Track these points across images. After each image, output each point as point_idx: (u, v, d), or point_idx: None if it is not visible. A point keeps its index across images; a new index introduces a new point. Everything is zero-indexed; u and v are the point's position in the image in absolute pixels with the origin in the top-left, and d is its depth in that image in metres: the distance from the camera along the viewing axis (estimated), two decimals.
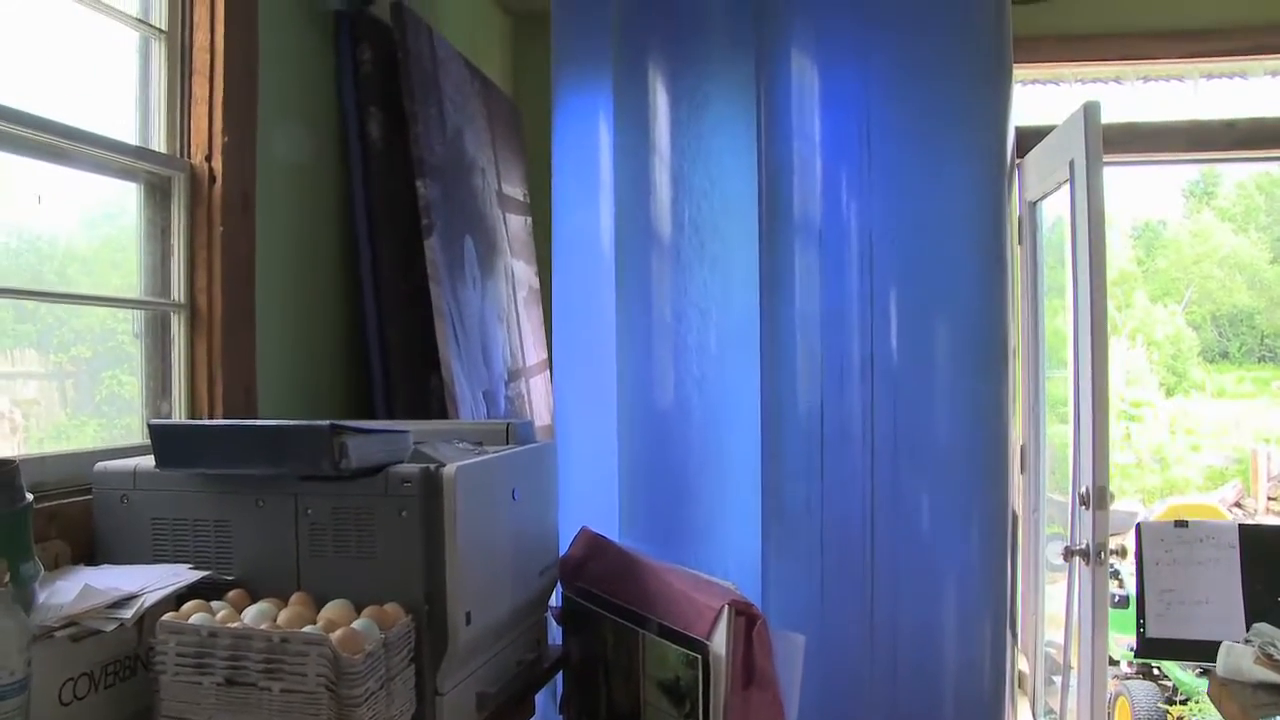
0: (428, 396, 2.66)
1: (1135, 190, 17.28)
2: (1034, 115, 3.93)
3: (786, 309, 2.03)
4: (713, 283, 2.17)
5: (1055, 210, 3.61)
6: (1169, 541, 2.87)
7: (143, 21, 2.18)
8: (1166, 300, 16.36)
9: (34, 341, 1.97)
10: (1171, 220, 17.45)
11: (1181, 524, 3.00)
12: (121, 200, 2.15)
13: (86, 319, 2.09)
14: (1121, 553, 2.97)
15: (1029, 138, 3.43)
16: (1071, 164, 2.96)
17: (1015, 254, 3.55)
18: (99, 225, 2.17)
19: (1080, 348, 2.94)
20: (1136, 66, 3.97)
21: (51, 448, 1.97)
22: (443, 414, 2.58)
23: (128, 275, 2.16)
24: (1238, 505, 10.51)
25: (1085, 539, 2.81)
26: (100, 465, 1.76)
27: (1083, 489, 2.83)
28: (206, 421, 2.08)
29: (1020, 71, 3.50)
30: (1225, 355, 16.39)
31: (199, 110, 2.23)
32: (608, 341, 2.49)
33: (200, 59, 2.23)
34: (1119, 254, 15.77)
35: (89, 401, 2.12)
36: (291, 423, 1.69)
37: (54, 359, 2.04)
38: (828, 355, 1.99)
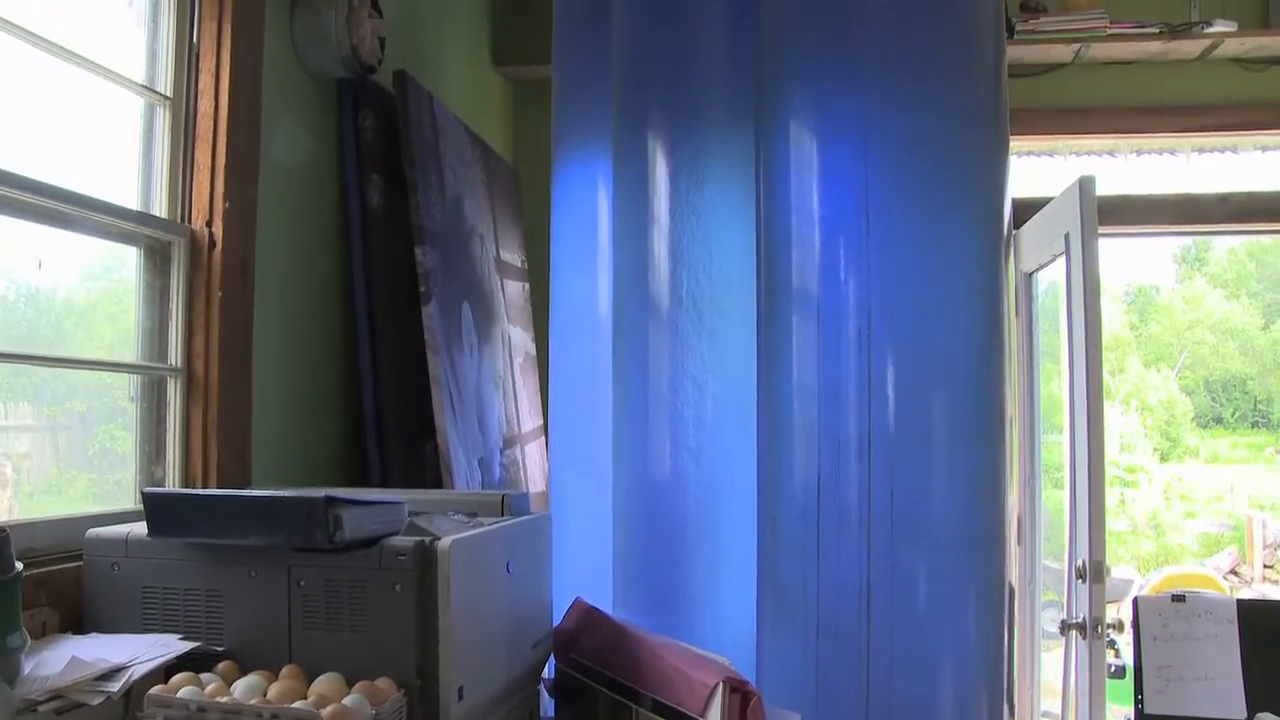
0: (423, 464, 2.65)
1: (1128, 256, 17.42)
2: (1030, 186, 3.98)
3: (784, 382, 2.03)
4: (710, 355, 2.17)
5: (1051, 277, 3.63)
6: (1166, 616, 2.86)
7: (148, 88, 2.20)
8: (1160, 365, 16.41)
9: (29, 394, 1.96)
10: (1164, 286, 17.57)
11: (1179, 598, 2.98)
12: (121, 252, 2.15)
13: (81, 373, 2.09)
14: (1118, 627, 2.95)
15: (1025, 209, 3.46)
16: (1067, 237, 2.98)
17: (1011, 324, 3.57)
18: (98, 278, 2.17)
19: (1076, 419, 2.94)
20: (1130, 140, 4.02)
21: (42, 503, 1.97)
22: (438, 482, 2.57)
23: (125, 329, 2.16)
24: (1233, 573, 10.47)
25: (1082, 613, 2.79)
26: (92, 532, 1.74)
27: (1079, 562, 2.81)
28: (201, 491, 2.07)
29: (1016, 143, 3.54)
30: (1219, 420, 16.42)
31: (201, 176, 2.25)
32: (604, 409, 2.49)
33: (204, 125, 2.25)
34: (1112, 319, 15.85)
35: (81, 456, 2.11)
36: (286, 494, 1.68)
37: (48, 412, 2.03)
38: (825, 429, 1.99)
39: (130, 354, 2.16)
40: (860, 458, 1.95)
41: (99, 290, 2.18)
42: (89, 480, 2.10)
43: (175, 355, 2.20)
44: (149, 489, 1.80)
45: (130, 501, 2.10)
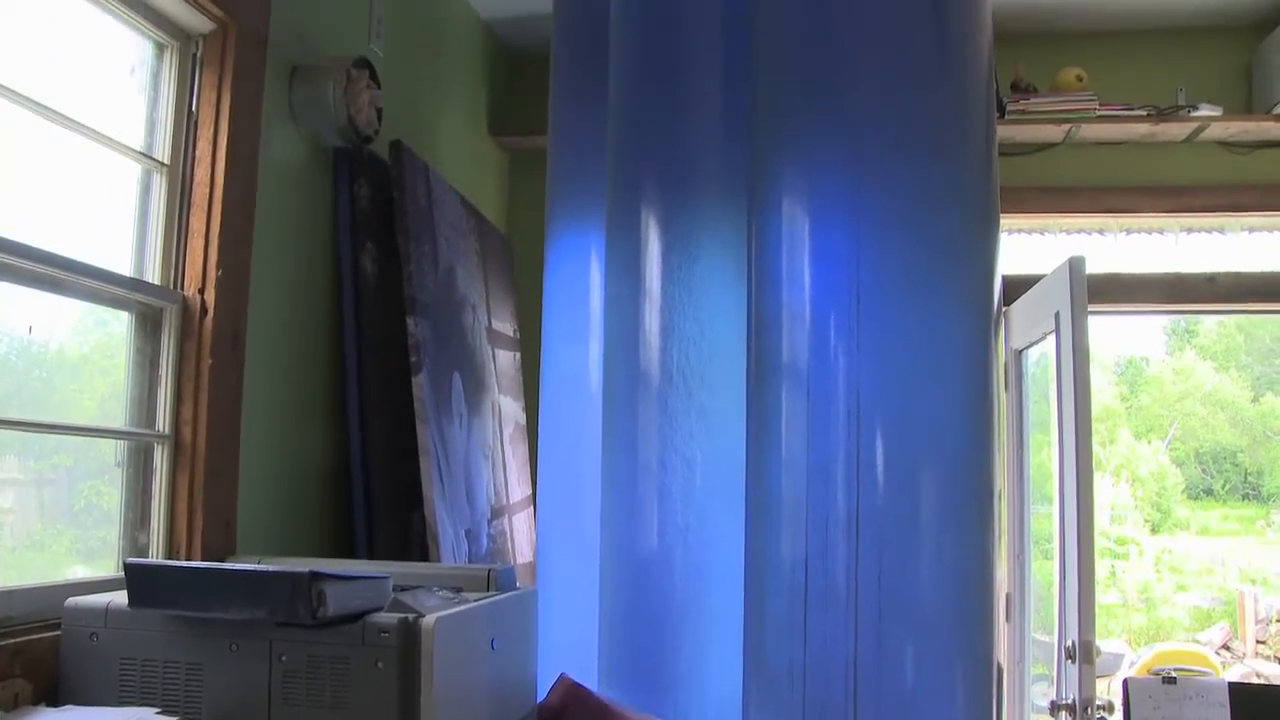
0: (410, 534, 2.64)
1: (1118, 328, 17.50)
2: (1021, 264, 4.01)
3: (773, 459, 2.03)
4: (699, 431, 2.17)
5: (1042, 348, 3.65)
6: (1157, 699, 2.83)
7: (146, 155, 2.22)
8: (1150, 437, 16.42)
9: (14, 448, 1.95)
10: (1154, 358, 17.62)
11: (1170, 680, 2.96)
12: (112, 315, 2.15)
13: (51, 397, 2.06)
14: (1109, 709, 2.92)
15: (1015, 286, 3.48)
16: (1057, 315, 3.00)
17: (1001, 400, 3.57)
18: (90, 331, 2.16)
19: (1066, 495, 2.94)
20: (1119, 219, 4.06)
21: (24, 559, 1.95)
22: (424, 553, 2.56)
23: (114, 388, 2.15)
24: (1225, 648, 10.39)
25: (1072, 694, 2.77)
26: (71, 601, 1.73)
27: (1069, 642, 2.79)
28: (184, 563, 2.06)
29: (1007, 221, 3.57)
30: (1209, 492, 16.39)
31: (195, 243, 2.25)
32: (593, 481, 2.48)
33: (200, 193, 2.26)
34: (1103, 390, 15.87)
35: (66, 511, 2.10)
36: (270, 568, 1.67)
37: (34, 467, 2.02)
38: (813, 507, 1.98)
39: (118, 418, 2.15)
40: (849, 536, 1.95)
41: (90, 343, 2.17)
42: (73, 536, 2.09)
43: (163, 422, 2.19)
44: (131, 560, 1.79)
45: (113, 559, 2.09)
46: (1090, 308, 2.98)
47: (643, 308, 2.26)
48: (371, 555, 2.55)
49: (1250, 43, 3.93)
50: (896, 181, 2.12)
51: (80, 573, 2.07)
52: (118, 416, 2.15)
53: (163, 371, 2.21)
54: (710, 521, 2.17)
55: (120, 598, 1.69)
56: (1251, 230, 4.08)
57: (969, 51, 2.23)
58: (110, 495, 2.12)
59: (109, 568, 2.10)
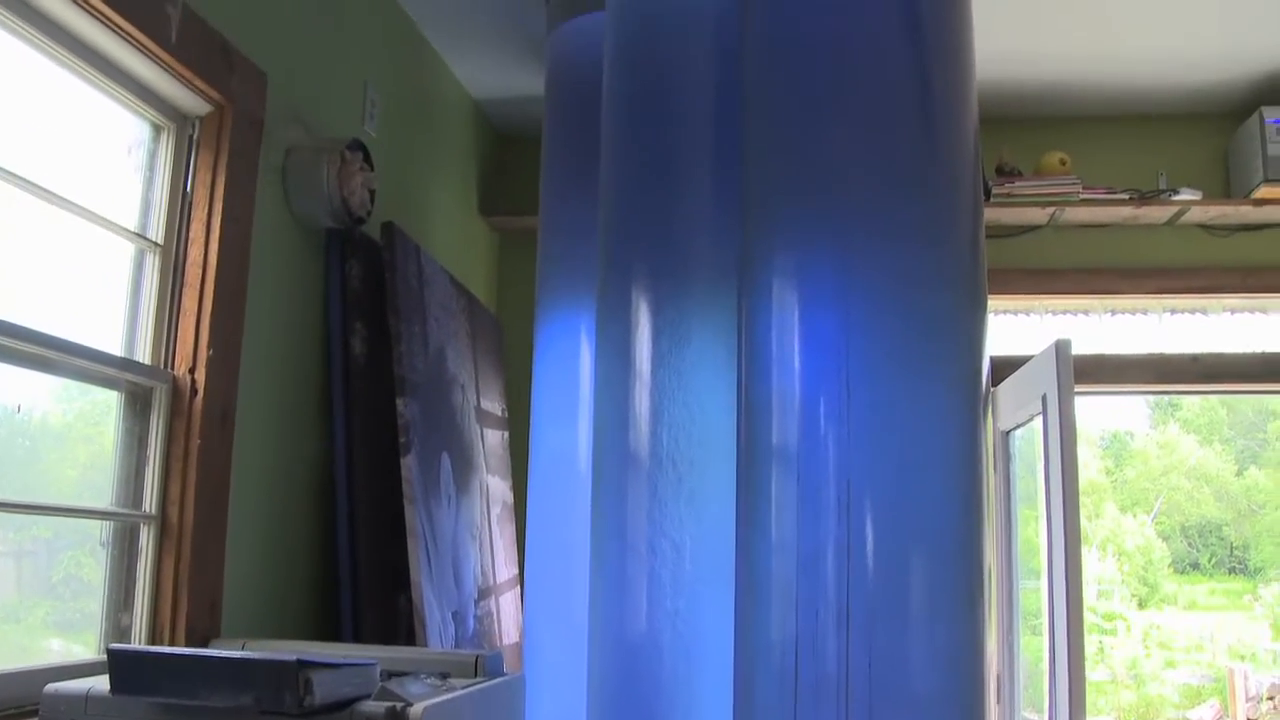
0: (396, 616, 2.61)
1: (1102, 402, 17.59)
2: (1007, 344, 4.04)
3: (762, 546, 2.02)
4: (688, 517, 2.17)
5: (1029, 426, 3.66)
6: None
7: (140, 235, 2.23)
8: (1136, 510, 16.43)
9: None
10: (1138, 432, 17.70)
11: None
12: (101, 393, 2.15)
13: (37, 477, 2.05)
14: None
15: (1002, 367, 3.51)
16: (1044, 398, 3.02)
17: (990, 481, 3.58)
18: (74, 399, 2.15)
19: (1054, 575, 2.94)
20: (1104, 300, 4.10)
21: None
22: (411, 636, 2.53)
23: (99, 450, 2.13)
24: None
25: None
26: (51, 687, 1.70)
27: None
28: (168, 649, 2.03)
29: (993, 302, 3.59)
30: (1196, 566, 16.38)
31: (186, 323, 2.26)
32: (581, 562, 2.46)
33: (192, 273, 2.27)
34: (1088, 464, 15.91)
35: (44, 583, 2.07)
36: (257, 656, 1.65)
37: (14, 538, 1.99)
38: (803, 595, 1.97)
39: (102, 487, 2.13)
40: (839, 624, 1.93)
41: (74, 410, 2.16)
42: (50, 608, 2.06)
43: (150, 502, 2.18)
44: (114, 646, 1.76)
45: (93, 632, 2.06)
46: (1076, 388, 3.01)
47: (633, 392, 2.26)
48: (358, 637, 2.53)
49: (1227, 129, 4.02)
50: (885, 266, 2.14)
51: (57, 646, 2.05)
52: (101, 485, 2.13)
53: (151, 451, 2.21)
54: (699, 606, 2.15)
55: (101, 683, 1.67)
56: (1233, 311, 4.13)
57: (956, 137, 2.27)
58: (90, 567, 2.10)
59: (88, 641, 2.07)
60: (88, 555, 2.11)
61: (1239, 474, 16.44)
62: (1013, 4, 3.28)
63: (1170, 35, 3.50)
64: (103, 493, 2.13)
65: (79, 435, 2.16)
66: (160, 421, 2.21)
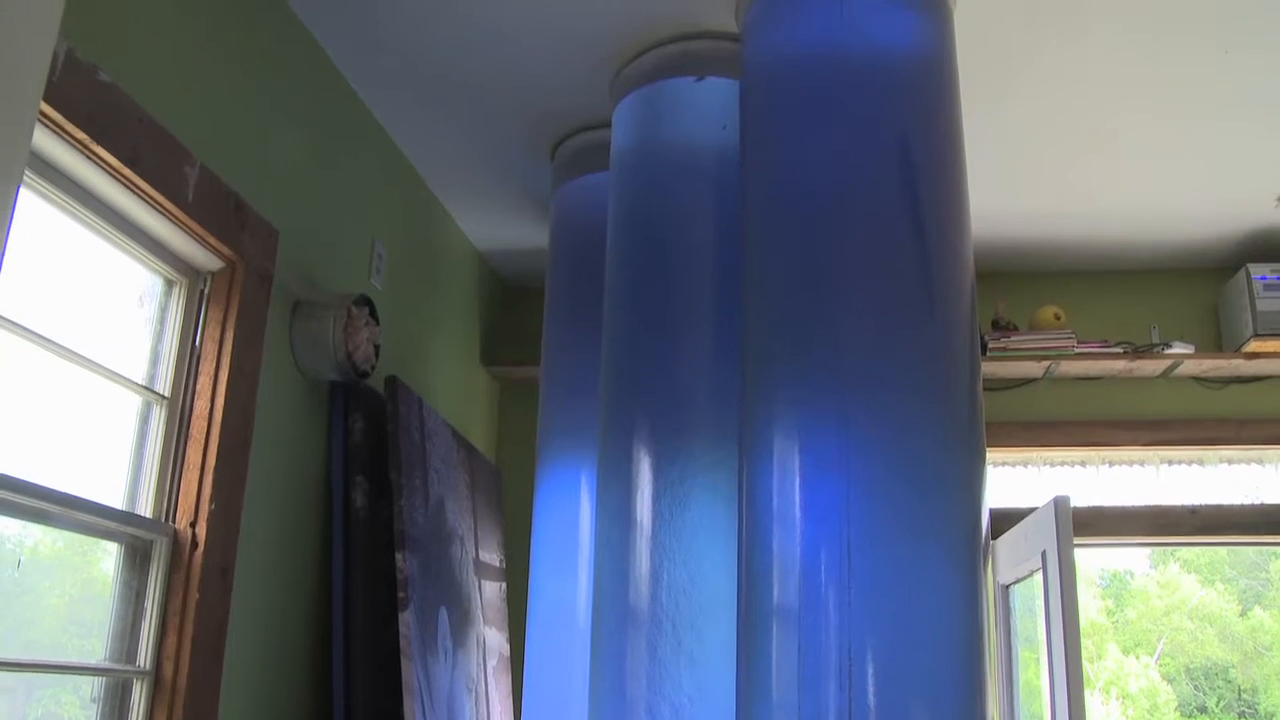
0: None
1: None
2: (1005, 496, 4.05)
3: (763, 710, 1.99)
4: (688, 680, 2.14)
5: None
6: None
7: (147, 388, 2.24)
8: (1139, 652, 16.13)
9: None
10: (1138, 571, 17.49)
11: None
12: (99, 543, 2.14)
13: (33, 631, 2.01)
14: None
15: (1001, 520, 3.50)
16: (1044, 554, 3.02)
17: (991, 634, 3.54)
18: (75, 547, 2.13)
19: None
20: (1100, 451, 4.12)
21: None
22: None
23: (86, 579, 2.11)
24: None
25: None
26: None
27: None
28: None
29: (991, 454, 3.61)
30: (1203, 710, 15.99)
31: (190, 476, 2.26)
32: (578, 718, 2.43)
33: (198, 426, 2.28)
34: (1088, 605, 15.69)
35: (21, 718, 2.02)
36: None
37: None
38: None
39: (90, 630, 2.09)
40: None
41: (65, 538, 2.13)
42: None
43: (144, 657, 2.15)
44: None
45: None
46: (1075, 540, 3.01)
47: (633, 553, 2.26)
48: None
49: (1216, 284, 4.10)
50: (885, 426, 2.15)
51: None
52: (89, 625, 2.09)
53: (148, 605, 2.18)
54: None
55: None
56: (1231, 463, 4.14)
57: (953, 295, 2.31)
58: (71, 704, 2.05)
59: None
60: (69, 694, 2.06)
61: (1243, 615, 16.19)
62: (1007, 164, 3.38)
63: (1159, 194, 3.59)
64: (93, 639, 2.10)
65: (68, 565, 2.14)
66: (159, 575, 2.19)
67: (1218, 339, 4.09)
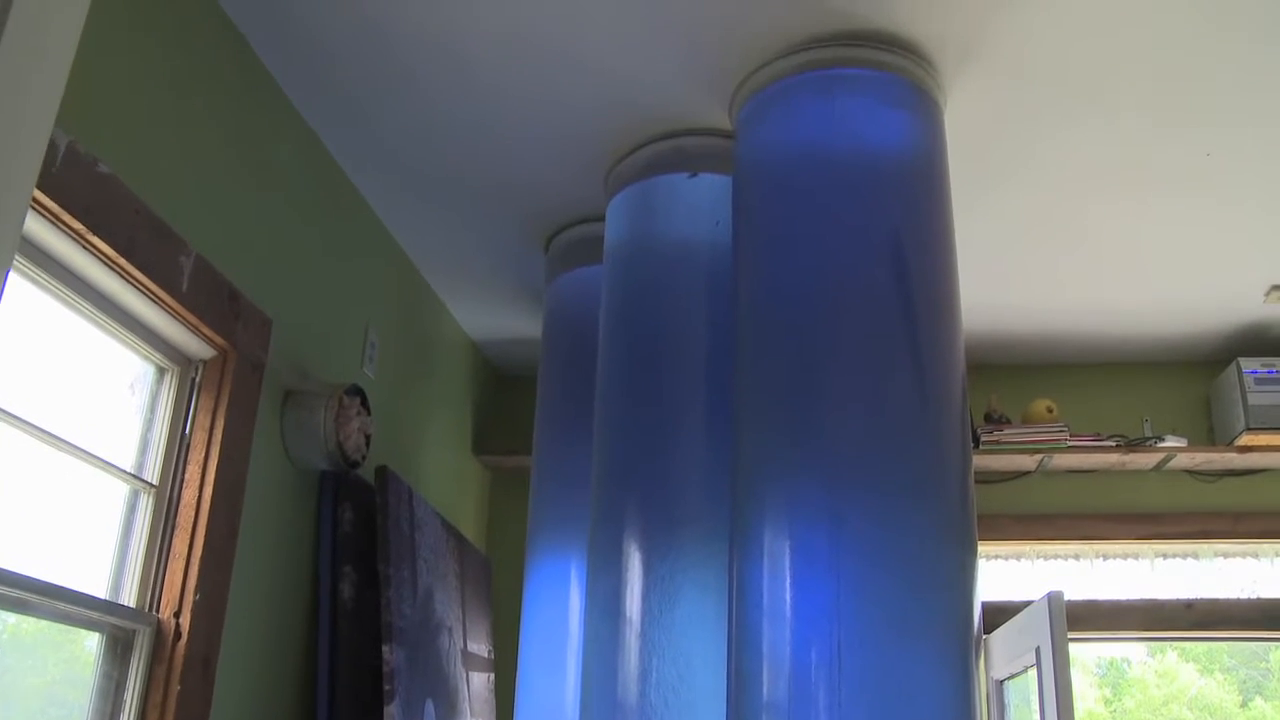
0: None
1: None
2: (999, 589, 4.02)
3: None
4: None
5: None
6: None
7: (135, 476, 2.23)
8: None
9: None
10: (1135, 659, 17.25)
11: None
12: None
13: (10, 713, 1.96)
14: None
15: (994, 614, 3.47)
16: (1038, 650, 2.99)
17: None
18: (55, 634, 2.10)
19: None
20: (1094, 545, 4.09)
21: None
22: None
23: (73, 663, 2.07)
24: None
25: None
26: None
27: None
28: None
29: (983, 548, 3.61)
30: None
31: (175, 565, 2.23)
32: None
33: (185, 515, 2.26)
34: (1084, 694, 15.44)
35: None
36: None
37: None
38: None
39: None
40: None
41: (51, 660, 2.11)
42: None
43: None
44: None
45: None
46: (1070, 635, 2.98)
47: (622, 648, 2.24)
48: None
49: (1207, 377, 4.12)
50: (877, 523, 2.14)
51: None
52: (69, 707, 2.05)
53: (128, 696, 2.14)
54: None
55: None
56: (1226, 556, 4.12)
57: (944, 388, 2.31)
58: None
59: None
60: None
61: (1244, 705, 15.93)
62: (998, 257, 3.41)
63: (1149, 288, 3.62)
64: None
65: (49, 642, 2.10)
66: (140, 666, 2.16)
67: (1210, 432, 4.09)
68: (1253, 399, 3.83)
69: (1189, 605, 3.94)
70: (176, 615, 2.20)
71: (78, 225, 1.87)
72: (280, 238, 2.62)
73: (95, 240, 1.92)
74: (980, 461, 3.84)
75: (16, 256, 1.86)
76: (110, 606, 2.11)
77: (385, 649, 2.59)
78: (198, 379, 2.37)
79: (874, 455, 2.20)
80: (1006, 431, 3.88)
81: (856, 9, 2.31)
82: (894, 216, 2.30)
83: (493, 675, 3.60)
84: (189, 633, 2.19)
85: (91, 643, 2.11)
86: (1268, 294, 3.61)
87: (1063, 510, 4.06)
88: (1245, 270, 3.49)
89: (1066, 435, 3.88)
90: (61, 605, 1.98)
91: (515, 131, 2.76)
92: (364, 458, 2.72)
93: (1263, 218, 3.13)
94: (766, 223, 2.36)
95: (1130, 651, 17.17)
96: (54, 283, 1.98)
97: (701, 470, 2.37)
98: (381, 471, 2.80)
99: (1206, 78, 2.51)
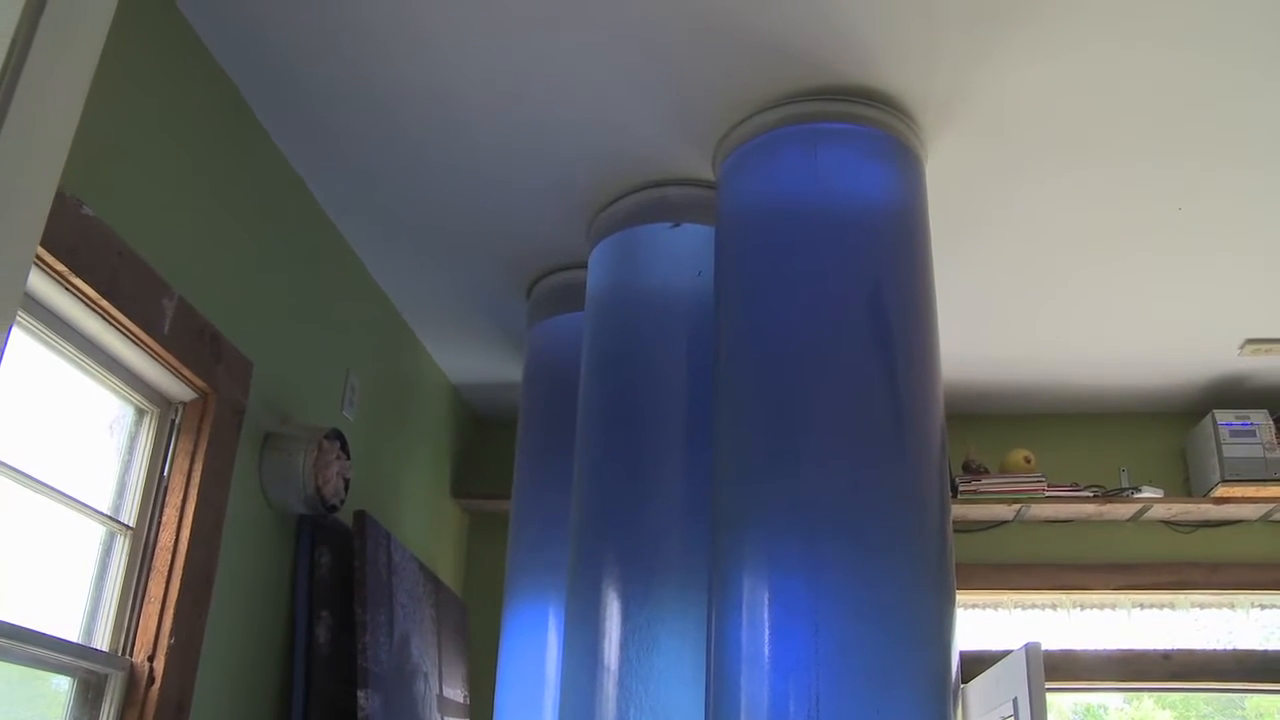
0: None
1: None
2: (975, 638, 4.02)
3: None
4: None
5: None
6: None
7: (112, 518, 2.21)
8: None
9: None
10: (1111, 705, 17.16)
11: None
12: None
13: None
14: None
15: (971, 663, 3.48)
16: (1015, 702, 2.99)
17: None
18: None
19: None
20: (1071, 595, 4.10)
21: None
22: None
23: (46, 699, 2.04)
24: None
25: None
26: None
27: None
28: None
29: (961, 596, 3.58)
30: None
31: (150, 609, 2.21)
32: None
33: (161, 558, 2.24)
34: None
35: None
36: None
37: None
38: None
39: None
40: None
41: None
42: None
43: None
44: None
45: None
46: (1047, 685, 2.98)
47: (599, 696, 2.23)
48: None
49: (1183, 428, 4.15)
50: (855, 573, 2.14)
51: None
52: None
53: None
54: None
55: None
56: (1203, 607, 4.13)
57: (923, 439, 2.32)
58: None
59: None
60: None
61: None
62: (977, 309, 3.44)
63: (1125, 340, 3.66)
64: None
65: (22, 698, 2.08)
66: (112, 711, 2.13)
67: (1186, 483, 4.12)
68: (1228, 451, 3.86)
69: (1166, 656, 3.95)
70: (150, 659, 2.18)
71: (60, 266, 1.87)
72: (263, 282, 2.62)
73: (77, 281, 1.92)
74: (958, 511, 3.86)
75: None
76: (83, 650, 2.08)
77: (361, 694, 2.57)
78: (177, 421, 2.36)
79: (853, 506, 2.21)
80: (984, 481, 3.90)
81: (839, 65, 2.35)
82: (875, 269, 2.32)
83: None
84: (162, 677, 2.16)
85: (62, 685, 2.09)
86: (1242, 347, 3.65)
87: (1040, 560, 4.07)
88: (1220, 323, 3.53)
89: (1044, 485, 3.90)
90: (32, 649, 1.95)
91: (499, 179, 2.78)
92: (342, 501, 2.71)
93: (1236, 271, 3.17)
94: (748, 273, 2.38)
95: (1107, 698, 17.11)
96: (35, 323, 1.97)
97: (680, 519, 2.37)
98: (360, 516, 2.79)
99: (1178, 135, 2.55)
